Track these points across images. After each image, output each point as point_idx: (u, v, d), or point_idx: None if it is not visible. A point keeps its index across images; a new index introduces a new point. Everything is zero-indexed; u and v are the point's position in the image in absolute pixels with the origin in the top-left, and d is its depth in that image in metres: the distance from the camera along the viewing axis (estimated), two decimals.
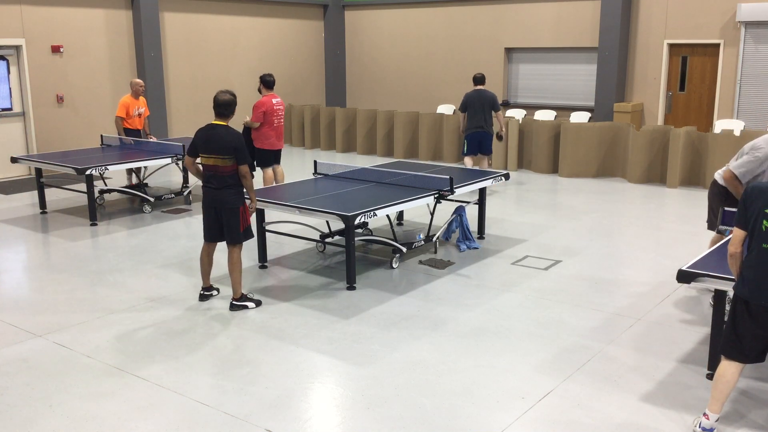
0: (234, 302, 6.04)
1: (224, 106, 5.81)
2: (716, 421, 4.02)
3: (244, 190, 5.97)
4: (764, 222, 3.81)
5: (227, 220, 5.90)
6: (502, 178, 8.18)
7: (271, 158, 9.36)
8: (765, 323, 3.90)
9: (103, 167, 8.79)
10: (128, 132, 10.46)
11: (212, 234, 6.04)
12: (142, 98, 10.55)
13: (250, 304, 6.06)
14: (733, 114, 12.78)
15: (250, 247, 7.69)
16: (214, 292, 6.34)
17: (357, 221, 6.21)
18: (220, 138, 5.73)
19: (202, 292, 6.27)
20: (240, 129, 9.24)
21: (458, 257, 7.49)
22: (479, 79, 10.37)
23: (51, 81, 12.48)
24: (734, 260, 3.99)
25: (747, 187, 3.94)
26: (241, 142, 5.77)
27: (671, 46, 13.38)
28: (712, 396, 4.01)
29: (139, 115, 10.47)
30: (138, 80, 10.40)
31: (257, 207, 6.51)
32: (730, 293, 4.35)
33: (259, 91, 9.21)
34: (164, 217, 9.29)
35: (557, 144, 12.21)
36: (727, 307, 4.80)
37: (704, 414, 4.03)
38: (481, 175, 8.17)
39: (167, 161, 9.52)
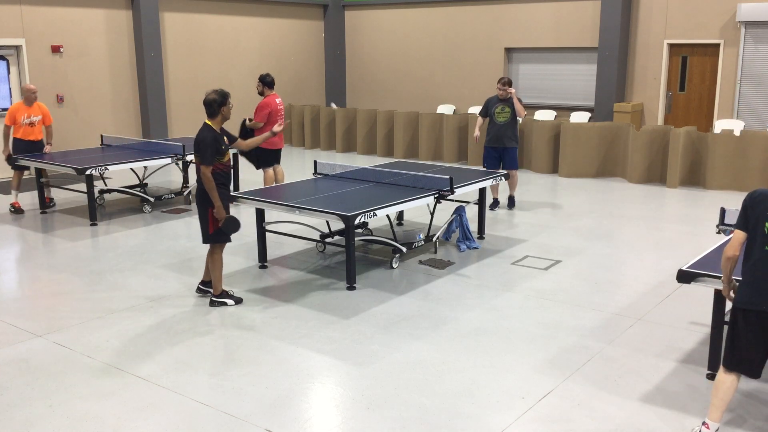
0: (213, 299, 6.11)
1: (206, 105, 5.94)
2: (717, 430, 3.88)
3: (228, 193, 6.05)
4: (766, 224, 3.76)
5: (199, 218, 6.01)
6: (502, 178, 8.20)
7: (272, 158, 9.40)
8: (764, 331, 3.79)
9: (103, 167, 8.79)
10: (19, 142, 9.33)
11: None
12: (39, 105, 9.48)
13: (230, 302, 6.11)
14: (733, 114, 12.78)
15: (250, 247, 7.70)
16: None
17: (357, 221, 6.21)
18: (197, 136, 5.89)
19: (199, 285, 6.32)
20: (241, 129, 9.24)
21: (458, 257, 7.49)
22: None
23: (51, 81, 12.48)
24: (730, 264, 3.90)
25: (753, 192, 3.88)
26: (205, 142, 5.77)
27: (671, 46, 13.38)
28: (711, 403, 3.89)
29: (31, 123, 9.35)
30: (30, 86, 9.47)
31: (231, 214, 6.03)
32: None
33: (261, 93, 9.20)
34: (164, 217, 9.29)
35: (557, 144, 12.21)
36: (728, 307, 4.81)
37: (704, 423, 3.90)
38: (481, 175, 8.18)
39: (167, 161, 9.52)
